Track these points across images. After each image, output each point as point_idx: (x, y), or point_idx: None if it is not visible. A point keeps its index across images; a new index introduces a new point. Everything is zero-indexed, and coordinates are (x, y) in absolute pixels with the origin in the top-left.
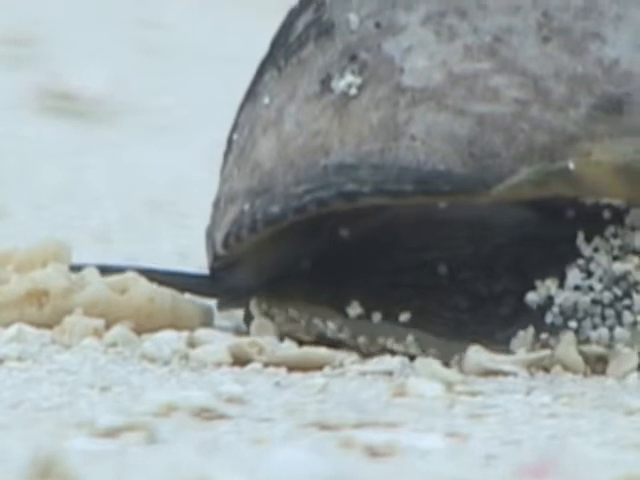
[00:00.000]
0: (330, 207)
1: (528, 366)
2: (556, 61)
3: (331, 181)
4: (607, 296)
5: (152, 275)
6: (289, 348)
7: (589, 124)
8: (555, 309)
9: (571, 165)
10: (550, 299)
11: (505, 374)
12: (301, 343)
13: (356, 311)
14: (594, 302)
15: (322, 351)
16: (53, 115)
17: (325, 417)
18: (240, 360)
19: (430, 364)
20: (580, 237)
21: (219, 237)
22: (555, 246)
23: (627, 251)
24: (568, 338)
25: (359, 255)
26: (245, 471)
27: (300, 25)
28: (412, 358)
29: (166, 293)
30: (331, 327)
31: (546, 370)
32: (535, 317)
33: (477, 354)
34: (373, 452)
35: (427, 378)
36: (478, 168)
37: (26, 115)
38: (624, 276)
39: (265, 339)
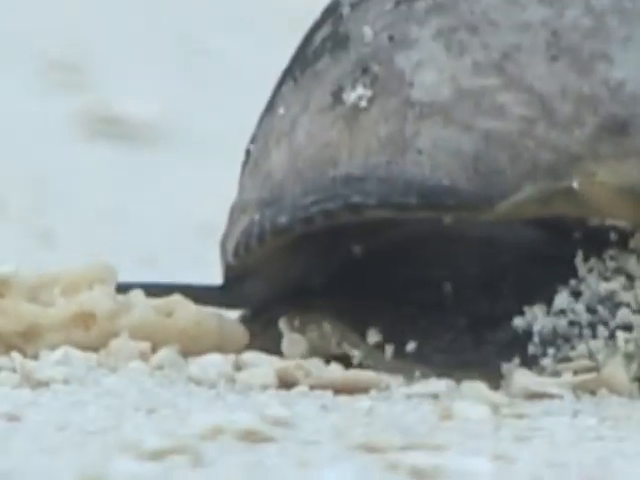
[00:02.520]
0: (337, 219)
1: (574, 389)
2: (563, 80)
3: (338, 193)
4: (586, 317)
5: (164, 288)
6: (335, 371)
7: (594, 144)
8: (535, 339)
9: (575, 184)
10: (531, 326)
11: (551, 397)
12: (347, 366)
13: (374, 338)
14: (572, 324)
15: (368, 374)
16: (102, 139)
17: (371, 440)
18: (286, 383)
19: (476, 387)
20: (579, 257)
21: (230, 247)
22: (560, 266)
23: (619, 273)
24: (615, 360)
25: (371, 272)
26: None
27: (318, 38)
28: (458, 381)
29: (212, 316)
30: (356, 354)
31: (592, 392)
32: (521, 347)
33: (523, 377)
34: (419, 475)
35: (473, 401)
36: (483, 184)
37: (75, 139)
38: (610, 296)
39: (311, 362)
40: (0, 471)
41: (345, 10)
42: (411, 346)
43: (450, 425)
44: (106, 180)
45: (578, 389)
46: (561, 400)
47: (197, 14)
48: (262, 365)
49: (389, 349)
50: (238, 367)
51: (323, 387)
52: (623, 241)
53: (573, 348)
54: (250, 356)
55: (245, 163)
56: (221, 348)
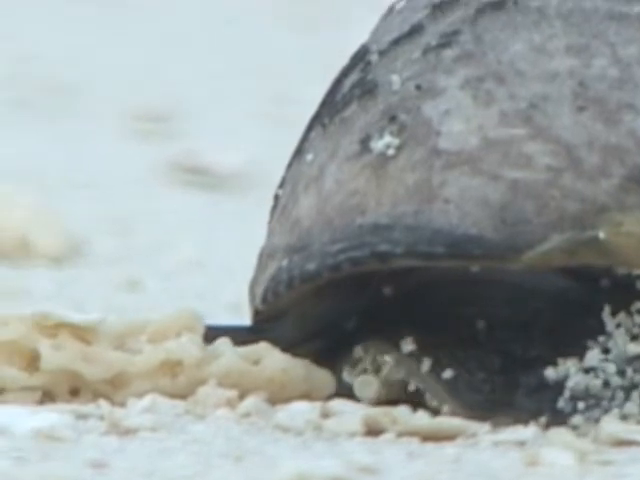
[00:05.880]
0: (364, 266)
1: None
2: (590, 130)
3: (365, 241)
4: (617, 380)
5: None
6: (422, 418)
7: (620, 195)
8: (567, 393)
9: (601, 235)
10: (565, 379)
11: (638, 444)
12: (435, 413)
13: (408, 347)
14: (605, 384)
15: (455, 421)
16: (187, 188)
17: None
18: (373, 430)
19: (563, 433)
20: (606, 311)
21: (259, 292)
22: (589, 317)
23: None
24: None
25: (401, 309)
26: None
27: (347, 84)
28: (545, 427)
29: (299, 363)
30: (388, 360)
31: None
32: (550, 398)
33: (611, 424)
34: None
35: (559, 447)
36: (509, 234)
37: (161, 188)
38: (638, 357)
39: (398, 409)
40: None
41: (373, 57)
42: (448, 373)
43: (536, 471)
44: (192, 228)
45: None
46: None
47: (285, 63)
48: (349, 412)
49: (427, 362)
50: (325, 414)
51: (410, 434)
52: None
53: (606, 411)
54: (337, 403)
55: (274, 208)
56: (308, 395)
